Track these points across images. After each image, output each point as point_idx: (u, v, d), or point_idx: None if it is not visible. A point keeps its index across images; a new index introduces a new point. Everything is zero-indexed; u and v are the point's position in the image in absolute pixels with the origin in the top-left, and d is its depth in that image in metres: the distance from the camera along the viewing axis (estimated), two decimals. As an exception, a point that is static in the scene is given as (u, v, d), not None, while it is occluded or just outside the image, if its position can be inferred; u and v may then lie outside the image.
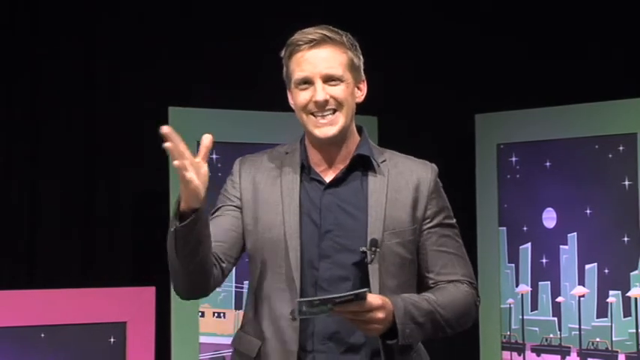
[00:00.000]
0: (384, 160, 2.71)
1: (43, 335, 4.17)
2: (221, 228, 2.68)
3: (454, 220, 2.75)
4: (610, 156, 4.61)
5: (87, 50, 4.68)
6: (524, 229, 4.90)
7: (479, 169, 5.04)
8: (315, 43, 2.61)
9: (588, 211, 4.68)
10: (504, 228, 4.96)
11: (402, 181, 2.68)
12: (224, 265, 2.65)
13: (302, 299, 2.44)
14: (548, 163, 4.83)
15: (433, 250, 2.68)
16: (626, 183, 4.56)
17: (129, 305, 4.30)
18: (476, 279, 2.79)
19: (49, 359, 4.18)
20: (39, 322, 4.18)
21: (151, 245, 4.71)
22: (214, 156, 4.63)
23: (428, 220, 2.68)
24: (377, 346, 2.60)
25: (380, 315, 2.47)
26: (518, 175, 4.93)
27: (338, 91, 2.62)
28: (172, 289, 2.63)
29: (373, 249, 2.60)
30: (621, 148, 4.58)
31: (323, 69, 2.61)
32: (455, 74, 5.14)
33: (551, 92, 4.89)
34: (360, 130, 2.74)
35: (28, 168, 4.56)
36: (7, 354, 4.11)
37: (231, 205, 2.72)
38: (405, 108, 5.12)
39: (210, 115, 4.68)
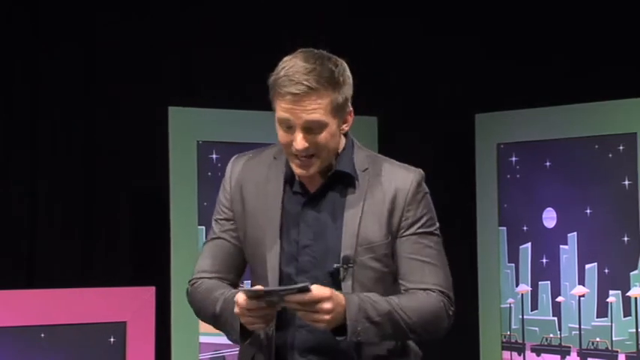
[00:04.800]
0: (366, 169, 2.68)
1: (43, 335, 4.17)
2: (226, 256, 2.74)
3: (434, 228, 2.69)
4: (610, 156, 4.61)
5: (86, 50, 4.68)
6: (524, 229, 4.90)
7: (479, 169, 5.03)
8: (298, 97, 2.55)
9: (588, 211, 4.68)
10: (504, 228, 4.96)
11: (380, 193, 2.65)
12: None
13: (246, 289, 2.48)
14: (548, 163, 4.83)
15: (405, 257, 2.64)
16: (626, 183, 4.56)
17: (129, 305, 4.30)
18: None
19: (49, 359, 4.18)
20: (39, 322, 4.18)
21: (150, 245, 4.72)
22: (214, 156, 4.63)
23: (403, 230, 2.65)
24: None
25: (327, 305, 2.46)
26: (518, 175, 4.93)
27: (318, 138, 2.58)
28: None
29: (345, 266, 2.60)
30: (621, 148, 4.58)
31: (305, 118, 2.56)
32: (455, 74, 5.14)
33: (551, 92, 4.89)
34: (346, 135, 2.70)
35: (28, 168, 4.56)
36: (7, 354, 4.11)
37: (225, 220, 2.75)
38: (404, 108, 5.12)
39: (210, 115, 4.67)
